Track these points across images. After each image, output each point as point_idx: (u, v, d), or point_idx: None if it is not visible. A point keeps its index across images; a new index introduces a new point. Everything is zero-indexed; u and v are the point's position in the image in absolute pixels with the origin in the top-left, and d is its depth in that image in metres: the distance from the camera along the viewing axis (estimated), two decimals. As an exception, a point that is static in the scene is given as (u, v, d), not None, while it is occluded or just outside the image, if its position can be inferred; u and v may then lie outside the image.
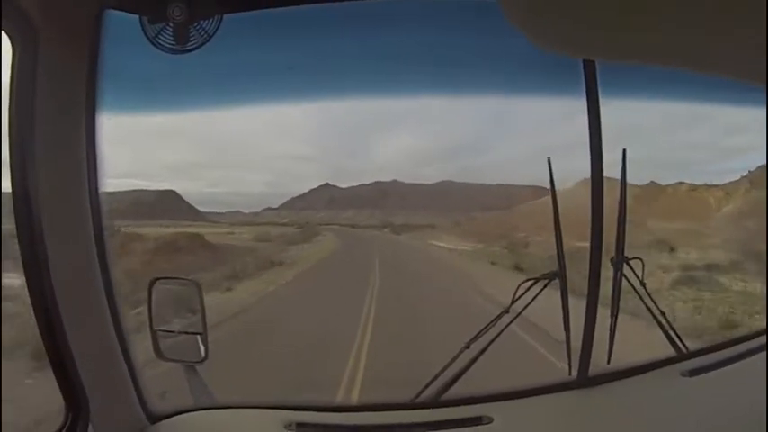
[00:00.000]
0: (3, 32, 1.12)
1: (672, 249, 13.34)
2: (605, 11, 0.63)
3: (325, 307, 9.33)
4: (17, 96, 1.14)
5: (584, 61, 1.39)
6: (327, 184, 26.33)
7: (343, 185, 26.77)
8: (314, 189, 26.48)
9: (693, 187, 18.68)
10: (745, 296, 9.93)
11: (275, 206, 25.68)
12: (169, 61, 1.33)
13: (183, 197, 23.36)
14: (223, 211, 24.13)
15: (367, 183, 26.07)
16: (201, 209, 23.60)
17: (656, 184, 18.91)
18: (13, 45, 1.13)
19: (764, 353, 1.60)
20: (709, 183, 18.25)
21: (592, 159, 1.45)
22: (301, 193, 26.49)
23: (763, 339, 1.71)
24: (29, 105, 1.14)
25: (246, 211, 24.45)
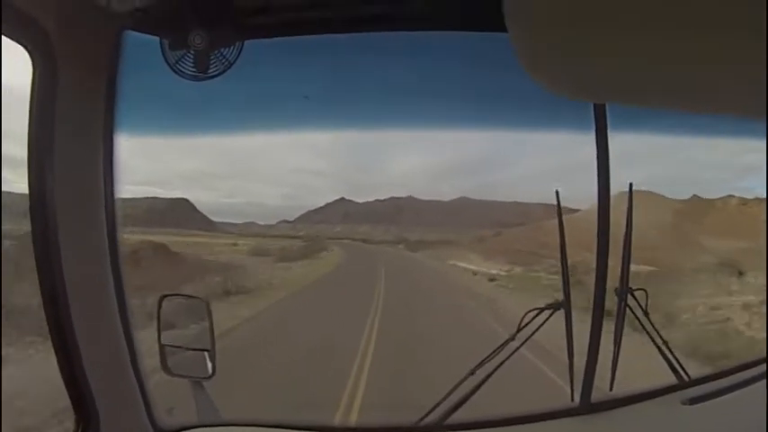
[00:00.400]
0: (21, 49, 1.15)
1: (740, 273, 11.41)
2: (613, 57, 0.66)
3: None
4: (37, 115, 1.16)
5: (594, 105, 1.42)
6: (343, 199, 26.39)
7: (359, 200, 26.74)
8: (329, 203, 26.53)
9: (744, 201, 16.60)
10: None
11: (291, 219, 25.74)
12: (186, 86, 1.36)
13: (197, 206, 23.31)
14: (239, 221, 24.08)
15: (382, 198, 26.08)
16: (215, 219, 23.58)
17: (699, 198, 17.28)
18: (33, 63, 1.16)
19: (761, 382, 1.62)
20: (760, 197, 16.21)
21: (599, 188, 1.48)
22: (317, 207, 26.55)
23: (760, 369, 1.73)
24: (48, 124, 1.16)
25: (262, 223, 24.53)
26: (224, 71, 1.31)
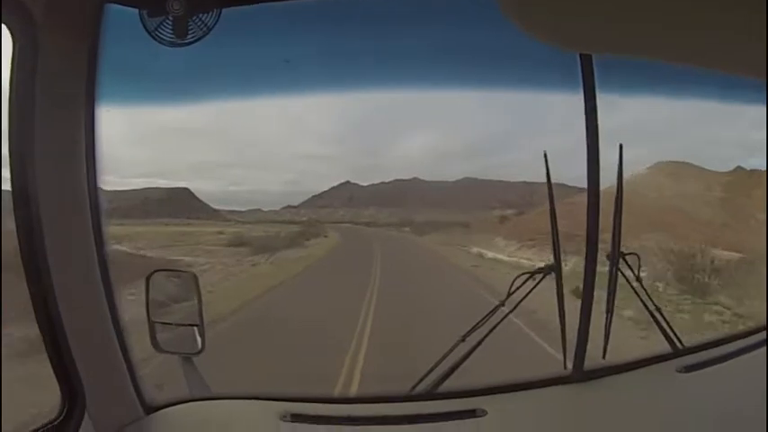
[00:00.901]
0: (3, 25, 1.14)
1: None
2: (600, 4, 0.64)
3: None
4: (17, 88, 1.14)
5: (581, 59, 1.40)
6: (348, 183, 26.08)
7: (364, 183, 26.33)
8: (334, 187, 26.11)
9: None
10: None
11: (295, 204, 25.55)
12: (170, 55, 1.35)
13: (198, 195, 23.23)
14: (243, 209, 23.85)
15: (387, 180, 25.76)
16: (217, 206, 23.53)
17: (743, 169, 15.24)
18: (13, 37, 1.14)
19: (760, 350, 1.61)
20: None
21: (588, 158, 1.46)
22: (321, 191, 26.34)
23: (758, 337, 1.72)
24: (29, 97, 1.15)
25: (266, 210, 24.14)
26: (202, 36, 1.29)
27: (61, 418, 1.18)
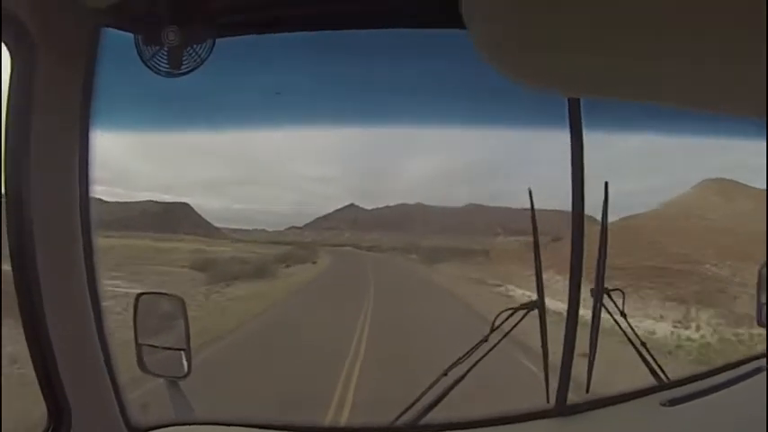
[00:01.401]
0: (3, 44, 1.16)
1: None
2: (580, 51, 0.65)
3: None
4: (14, 107, 1.17)
5: (569, 101, 1.42)
6: (352, 205, 26.12)
7: (368, 207, 26.11)
8: (338, 210, 26.18)
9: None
10: None
11: (300, 225, 25.55)
12: (166, 83, 1.37)
13: (198, 211, 23.14)
14: (249, 228, 23.78)
15: (392, 204, 25.55)
16: (220, 224, 23.46)
17: None
18: (12, 57, 1.17)
19: (745, 382, 1.62)
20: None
21: (573, 191, 1.48)
22: (325, 213, 26.33)
23: (742, 369, 1.72)
24: (25, 116, 1.17)
25: (271, 230, 24.15)
26: (196, 67, 1.31)
27: None
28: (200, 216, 22.84)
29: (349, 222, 25.67)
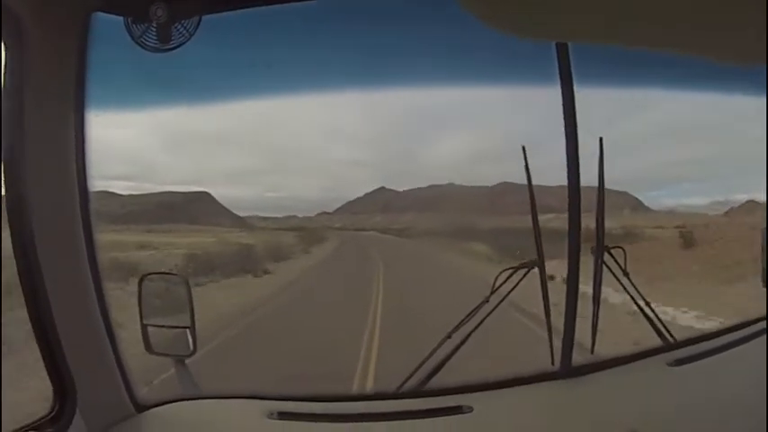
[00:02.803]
0: None
1: None
2: None
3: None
4: (8, 94, 1.19)
5: (557, 49, 1.41)
6: (383, 188, 25.91)
7: (399, 189, 25.95)
8: (369, 193, 26.00)
9: None
10: None
11: (330, 210, 25.51)
12: (157, 60, 1.39)
13: (219, 200, 23.08)
14: (279, 215, 23.97)
15: (423, 186, 25.22)
16: (248, 213, 23.33)
17: None
18: (5, 45, 1.19)
19: (751, 342, 1.60)
20: None
21: (568, 149, 1.47)
22: (355, 197, 26.12)
23: (748, 330, 1.70)
24: (19, 103, 1.19)
25: (301, 216, 24.33)
26: (184, 42, 1.33)
27: (53, 414, 1.20)
28: (221, 205, 22.66)
29: (380, 206, 25.41)
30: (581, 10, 0.64)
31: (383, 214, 25.11)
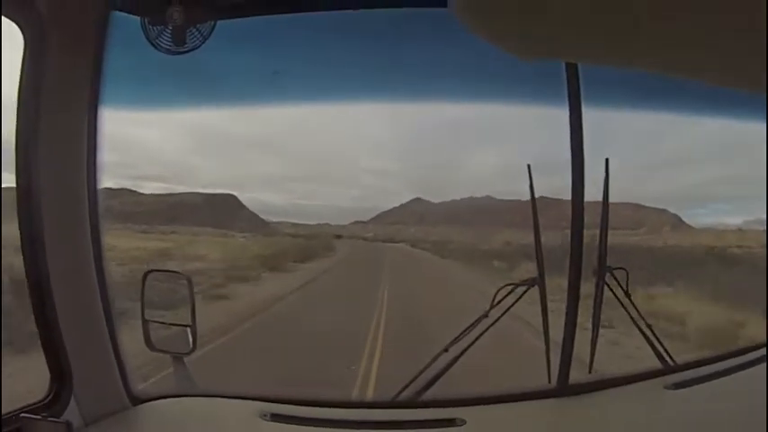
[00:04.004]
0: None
1: None
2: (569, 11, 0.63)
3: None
4: (26, 90, 1.21)
5: (566, 69, 1.41)
6: (418, 199, 25.67)
7: (435, 200, 25.71)
8: (404, 204, 25.85)
9: None
10: None
11: (364, 220, 25.48)
12: (172, 62, 1.41)
13: (246, 204, 23.08)
14: (312, 222, 23.98)
15: (458, 198, 25.05)
16: (278, 218, 23.30)
17: None
18: (24, 42, 1.22)
19: (750, 369, 1.58)
20: None
21: (573, 170, 1.47)
22: (390, 207, 26.05)
23: (748, 357, 1.68)
24: (36, 99, 1.21)
25: (333, 224, 24.38)
26: (199, 45, 1.35)
27: (49, 398, 1.22)
28: (248, 209, 22.51)
29: (415, 217, 25.13)
30: (582, 29, 0.64)
31: (418, 225, 24.77)
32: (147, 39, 1.37)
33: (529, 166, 1.62)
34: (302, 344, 6.65)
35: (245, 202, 23.13)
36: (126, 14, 1.37)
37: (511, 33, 0.66)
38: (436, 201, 25.60)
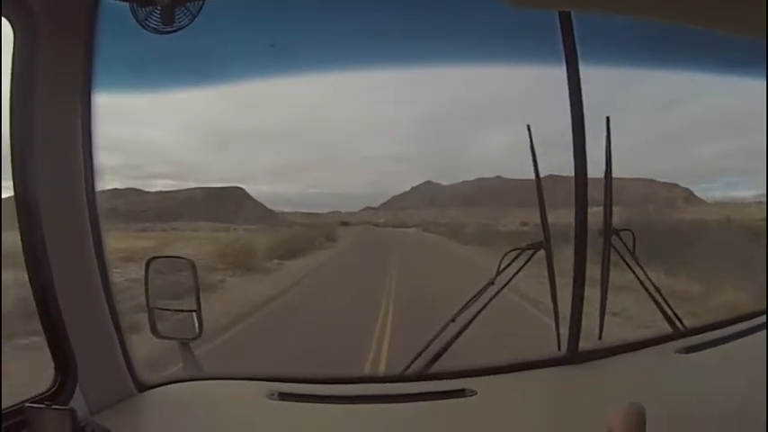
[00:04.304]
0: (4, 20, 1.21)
1: None
2: None
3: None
4: (18, 81, 1.21)
5: (561, 25, 1.39)
6: (429, 182, 25.18)
7: (445, 183, 25.12)
8: (414, 188, 25.42)
9: None
10: None
11: (375, 206, 25.28)
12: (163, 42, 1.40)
13: (253, 195, 22.79)
14: (323, 211, 23.67)
15: (469, 180, 24.34)
16: (290, 209, 23.14)
17: None
18: (14, 32, 1.21)
19: (762, 332, 1.55)
20: None
21: (574, 130, 1.44)
22: (401, 192, 25.68)
23: (759, 320, 1.65)
24: (29, 90, 1.21)
25: (344, 211, 24.18)
26: (187, 24, 1.34)
27: (54, 389, 1.21)
28: (255, 200, 22.28)
29: (426, 200, 24.86)
30: None
31: (429, 208, 24.43)
32: (136, 20, 1.36)
33: (528, 127, 1.59)
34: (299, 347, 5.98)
35: (252, 194, 22.98)
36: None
37: None
38: (446, 183, 25.26)
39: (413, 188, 25.43)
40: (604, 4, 0.76)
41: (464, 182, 24.35)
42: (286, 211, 23.30)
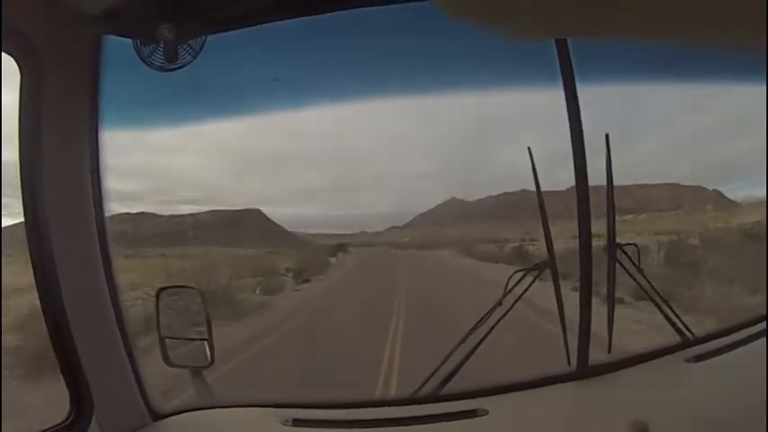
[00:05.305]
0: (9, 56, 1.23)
1: None
2: None
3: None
4: (25, 117, 1.24)
5: (557, 46, 1.41)
6: (453, 199, 25.08)
7: (470, 199, 25.07)
8: (439, 205, 25.36)
9: None
10: None
11: (400, 225, 25.20)
12: (167, 79, 1.43)
13: (271, 218, 22.78)
14: (348, 232, 23.71)
15: (494, 194, 24.29)
16: (315, 231, 23.04)
17: None
18: (20, 70, 1.24)
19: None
20: None
21: (574, 150, 1.46)
22: (426, 209, 25.59)
23: (763, 325, 1.66)
24: (36, 125, 1.24)
25: (370, 231, 24.24)
26: (191, 61, 1.37)
27: (69, 420, 1.23)
28: (274, 223, 22.23)
29: (451, 217, 24.55)
30: (578, 5, 0.64)
31: (455, 226, 24.09)
32: (141, 58, 1.39)
33: (529, 149, 1.62)
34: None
35: (272, 217, 23.06)
36: (119, 37, 1.41)
37: (496, 17, 0.67)
38: (471, 199, 25.21)
39: (437, 206, 25.36)
40: (595, 32, 0.77)
41: (489, 197, 24.34)
42: (313, 232, 23.32)
